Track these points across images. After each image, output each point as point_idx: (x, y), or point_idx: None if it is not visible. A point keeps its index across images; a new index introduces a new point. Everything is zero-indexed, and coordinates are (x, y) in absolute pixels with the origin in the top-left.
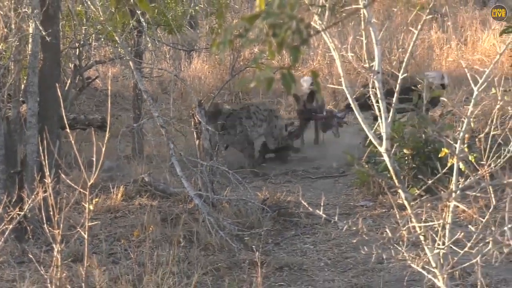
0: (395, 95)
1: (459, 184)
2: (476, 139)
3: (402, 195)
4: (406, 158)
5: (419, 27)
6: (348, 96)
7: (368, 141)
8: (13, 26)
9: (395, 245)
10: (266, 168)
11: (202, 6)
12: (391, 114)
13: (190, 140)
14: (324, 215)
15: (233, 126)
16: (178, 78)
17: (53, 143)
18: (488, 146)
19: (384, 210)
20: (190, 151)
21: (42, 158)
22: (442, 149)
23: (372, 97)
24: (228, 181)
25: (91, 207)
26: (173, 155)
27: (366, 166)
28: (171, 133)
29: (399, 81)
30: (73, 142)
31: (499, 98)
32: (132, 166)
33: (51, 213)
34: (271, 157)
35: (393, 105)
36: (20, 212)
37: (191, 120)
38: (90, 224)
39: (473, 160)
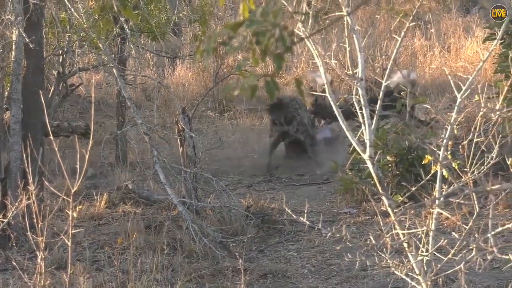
0: (379, 102)
1: (443, 191)
2: (460, 146)
3: (386, 202)
4: (390, 165)
5: (402, 34)
6: (332, 103)
7: (351, 148)
8: None
9: (378, 252)
10: (247, 175)
11: (185, 13)
12: (374, 121)
13: (174, 147)
14: (307, 222)
15: (293, 117)
16: (162, 85)
17: (36, 150)
18: (472, 153)
19: (367, 217)
20: (174, 158)
21: (26, 165)
22: (426, 156)
23: (355, 104)
24: (212, 188)
25: (75, 215)
26: (157, 162)
27: (350, 173)
28: (155, 140)
29: (382, 88)
30: (56, 149)
31: (482, 105)
32: (115, 173)
33: (35, 220)
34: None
35: (376, 112)
36: (3, 219)
37: (175, 127)
38: (73, 231)
39: (456, 167)
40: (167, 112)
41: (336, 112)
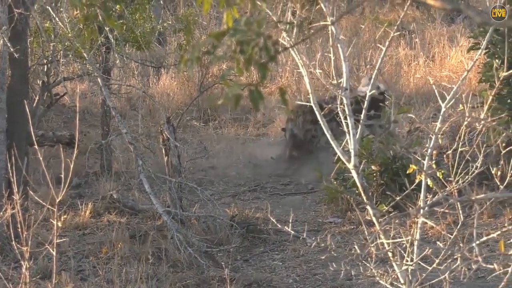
0: (363, 111)
1: (427, 200)
2: (444, 156)
3: (371, 211)
4: (374, 174)
5: (386, 43)
6: (317, 112)
7: (336, 158)
8: None
9: (363, 261)
10: (232, 184)
11: (170, 22)
12: (359, 130)
13: (159, 157)
14: (292, 232)
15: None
16: (147, 94)
17: (21, 160)
18: (456, 163)
19: (352, 227)
20: (159, 168)
21: (10, 174)
22: (410, 165)
23: (340, 114)
24: (197, 198)
25: (60, 224)
26: (142, 171)
27: (335, 182)
28: (140, 150)
29: (367, 97)
30: (41, 158)
31: (467, 114)
32: (100, 183)
33: (19, 230)
34: None
35: (361, 121)
36: None
37: (160, 137)
38: (58, 241)
39: (441, 177)
40: (152, 121)
41: (321, 122)
